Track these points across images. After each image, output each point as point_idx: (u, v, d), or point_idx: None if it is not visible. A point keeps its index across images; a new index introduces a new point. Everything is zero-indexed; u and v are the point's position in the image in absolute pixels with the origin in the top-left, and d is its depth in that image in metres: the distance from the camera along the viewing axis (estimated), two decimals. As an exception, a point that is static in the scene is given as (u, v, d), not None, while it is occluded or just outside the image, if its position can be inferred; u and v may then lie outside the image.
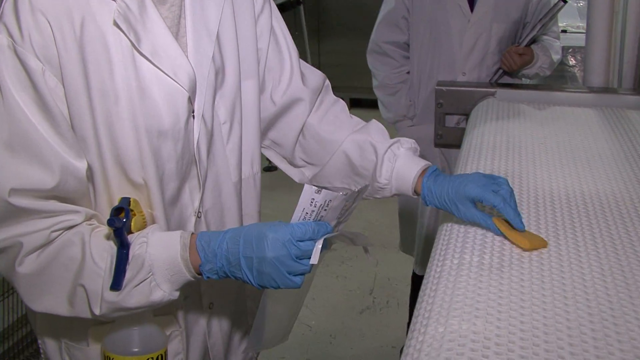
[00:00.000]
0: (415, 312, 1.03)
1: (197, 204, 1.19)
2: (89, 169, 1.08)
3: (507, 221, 1.18)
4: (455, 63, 2.60)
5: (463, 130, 2.04)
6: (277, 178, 2.62)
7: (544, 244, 1.17)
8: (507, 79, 2.65)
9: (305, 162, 1.41)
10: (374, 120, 1.39)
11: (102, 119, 1.06)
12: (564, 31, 5.05)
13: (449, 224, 1.28)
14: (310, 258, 1.01)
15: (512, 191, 1.19)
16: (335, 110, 1.41)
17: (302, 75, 1.37)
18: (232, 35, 1.22)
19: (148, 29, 1.08)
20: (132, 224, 1.03)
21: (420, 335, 0.94)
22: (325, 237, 1.03)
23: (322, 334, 3.19)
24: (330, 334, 3.22)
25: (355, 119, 1.42)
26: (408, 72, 2.72)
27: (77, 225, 1.06)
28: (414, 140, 1.34)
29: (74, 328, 1.19)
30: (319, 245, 1.02)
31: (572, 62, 4.33)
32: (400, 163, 1.29)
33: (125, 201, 1.04)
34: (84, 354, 1.20)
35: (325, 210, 1.03)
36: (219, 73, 1.19)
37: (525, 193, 1.41)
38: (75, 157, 1.05)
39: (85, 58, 1.04)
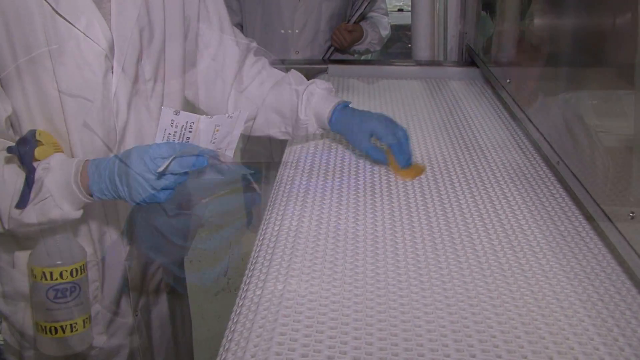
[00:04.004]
0: (248, 272, 1.08)
1: (115, 148, 1.30)
2: (15, 114, 1.20)
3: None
4: (288, 42, 2.65)
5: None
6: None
7: (421, 169, 1.43)
8: (339, 56, 2.73)
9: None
10: (292, 70, 1.60)
11: (26, 69, 1.17)
12: (401, 10, 5.25)
13: (287, 185, 1.38)
14: (172, 175, 1.12)
15: (407, 135, 1.41)
16: (256, 68, 1.57)
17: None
18: (159, 3, 1.33)
19: None
20: (35, 152, 1.15)
21: (259, 289, 1.00)
22: (186, 154, 1.11)
23: (177, 320, 3.16)
24: (186, 319, 3.19)
25: (275, 71, 1.60)
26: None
27: None
28: (329, 83, 1.54)
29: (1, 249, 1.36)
30: (170, 158, 1.09)
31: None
32: (316, 100, 1.49)
33: (30, 133, 1.16)
34: (9, 275, 1.36)
35: (190, 132, 1.12)
36: (144, 34, 1.29)
37: (362, 161, 1.49)
38: None
39: (5, 13, 1.14)
